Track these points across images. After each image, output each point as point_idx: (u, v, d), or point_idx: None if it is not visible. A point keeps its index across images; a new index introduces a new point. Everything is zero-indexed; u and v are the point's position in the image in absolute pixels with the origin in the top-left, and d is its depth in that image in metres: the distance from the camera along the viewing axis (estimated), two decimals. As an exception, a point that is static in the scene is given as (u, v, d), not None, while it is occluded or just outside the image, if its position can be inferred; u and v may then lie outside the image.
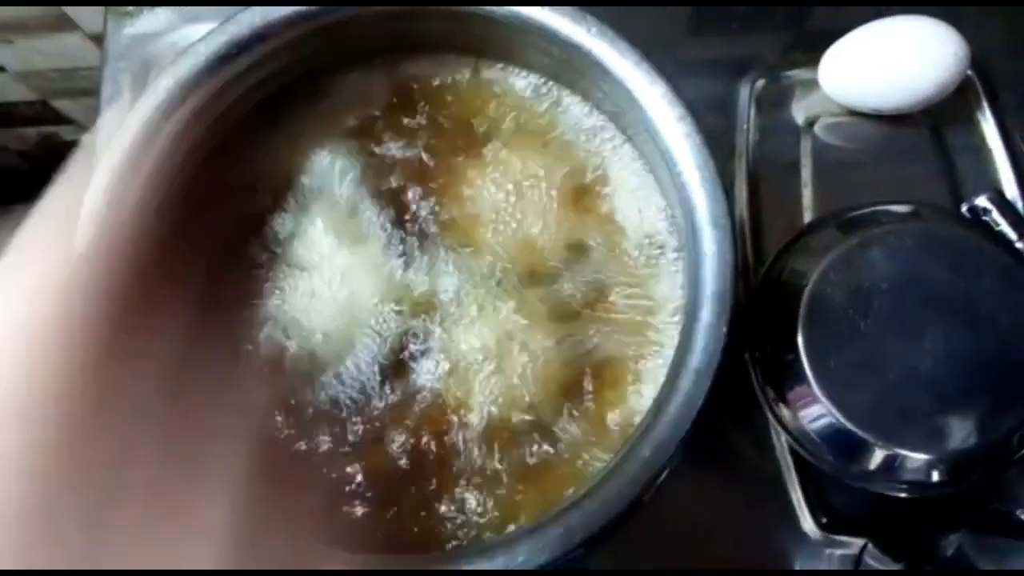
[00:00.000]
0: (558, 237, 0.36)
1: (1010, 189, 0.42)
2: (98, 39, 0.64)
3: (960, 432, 0.32)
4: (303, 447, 0.35)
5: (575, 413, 0.34)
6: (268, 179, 0.38)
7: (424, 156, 0.38)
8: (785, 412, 0.35)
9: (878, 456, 0.32)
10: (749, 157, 0.43)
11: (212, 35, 0.33)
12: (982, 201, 0.36)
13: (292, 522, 0.20)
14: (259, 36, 0.33)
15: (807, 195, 0.43)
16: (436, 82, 0.39)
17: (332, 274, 0.36)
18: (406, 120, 0.38)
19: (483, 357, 0.35)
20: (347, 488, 0.34)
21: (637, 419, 0.34)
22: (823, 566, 0.38)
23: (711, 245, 0.30)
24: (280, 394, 0.35)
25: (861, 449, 0.33)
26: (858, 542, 0.38)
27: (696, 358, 0.29)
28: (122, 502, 0.17)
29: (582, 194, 0.37)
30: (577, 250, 0.36)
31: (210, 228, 0.37)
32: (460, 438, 0.34)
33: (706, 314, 0.29)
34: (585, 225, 0.37)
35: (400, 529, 0.34)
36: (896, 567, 0.35)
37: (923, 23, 0.40)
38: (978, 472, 0.33)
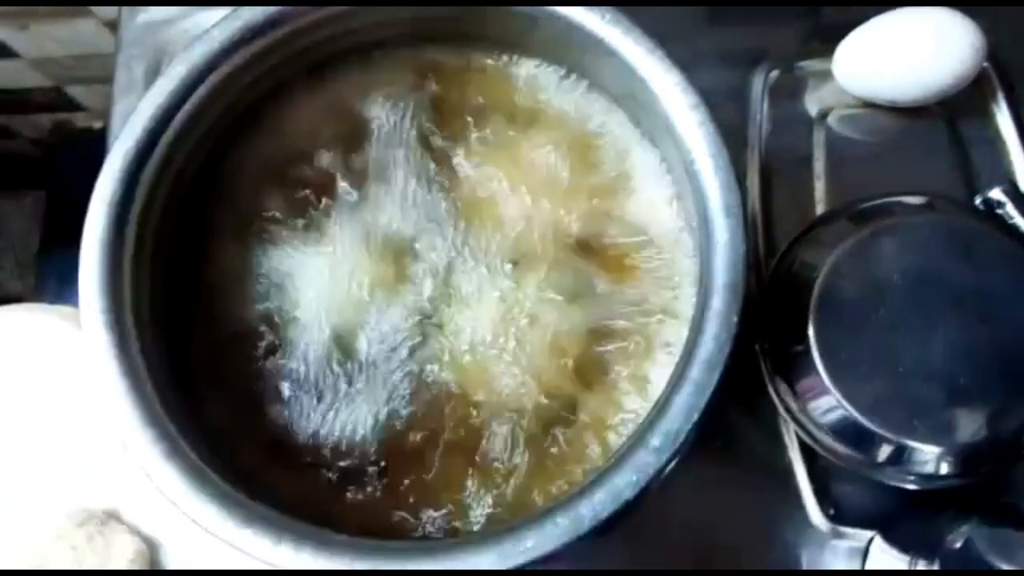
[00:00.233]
0: (571, 223, 0.36)
1: (1025, 182, 0.41)
2: (112, 25, 0.65)
3: (970, 424, 0.32)
4: (313, 432, 0.35)
5: (585, 399, 0.35)
6: (283, 162, 0.38)
7: (437, 141, 0.38)
8: (794, 403, 0.35)
9: (887, 448, 0.32)
10: (762, 148, 0.43)
11: (226, 20, 0.33)
12: (996, 193, 0.36)
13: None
14: (273, 21, 0.33)
15: (819, 187, 0.43)
16: (450, 69, 0.39)
17: (345, 254, 0.37)
18: (419, 108, 0.38)
19: (493, 339, 0.35)
20: (358, 473, 0.35)
21: (647, 407, 0.34)
22: (830, 557, 0.38)
23: (723, 234, 0.30)
24: (291, 373, 0.36)
25: (870, 440, 0.33)
26: (865, 534, 0.38)
27: (706, 347, 0.29)
28: None
29: (595, 182, 0.37)
30: (589, 237, 0.36)
31: (227, 217, 0.38)
32: (472, 421, 0.35)
33: (717, 303, 0.29)
34: (597, 213, 0.37)
35: (409, 513, 0.34)
36: (904, 559, 0.35)
37: (940, 14, 0.40)
38: (987, 465, 0.33)
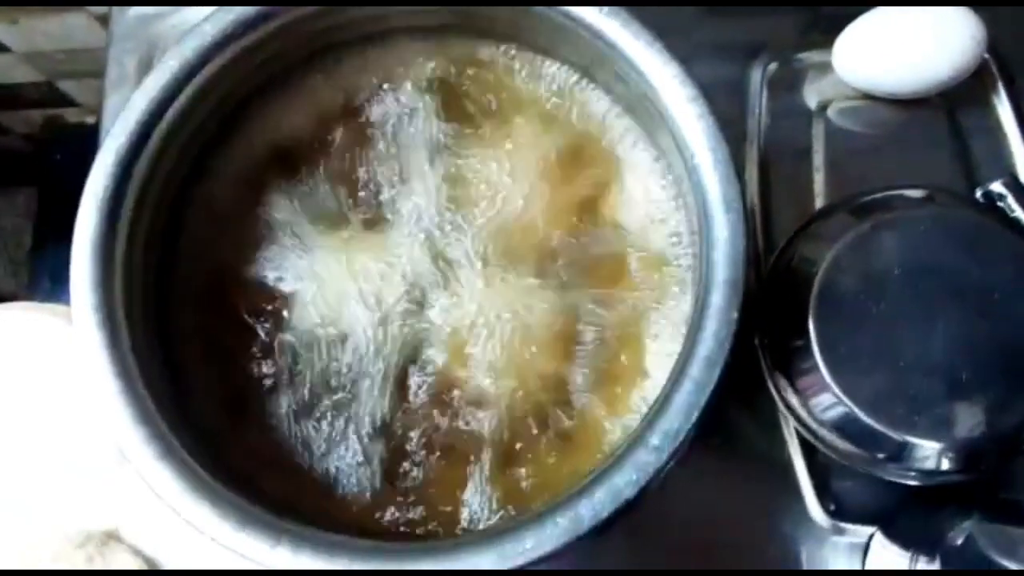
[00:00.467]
0: (567, 217, 0.36)
1: (1026, 174, 0.41)
2: (103, 20, 0.64)
3: (971, 420, 0.32)
4: (308, 433, 0.35)
5: (584, 394, 0.34)
6: (278, 156, 0.38)
7: (434, 134, 0.38)
8: (794, 399, 0.35)
9: (888, 443, 0.32)
10: (760, 141, 0.43)
11: (218, 14, 0.33)
12: (997, 186, 0.36)
13: None
14: (266, 15, 0.33)
15: (819, 180, 0.43)
16: (445, 63, 0.38)
17: (340, 250, 0.36)
18: (415, 99, 0.38)
19: (487, 335, 0.35)
20: (353, 472, 0.34)
21: (646, 405, 0.34)
22: (830, 554, 0.38)
23: (723, 230, 0.30)
24: (285, 372, 0.35)
25: (871, 436, 0.32)
26: (866, 530, 0.38)
27: (706, 344, 0.29)
28: None
29: (592, 176, 0.37)
30: (586, 231, 0.36)
31: (217, 204, 0.38)
32: (467, 419, 0.34)
33: (717, 299, 0.29)
34: (595, 206, 0.36)
35: (407, 513, 0.34)
36: (904, 555, 0.35)
37: (940, 6, 0.39)
38: (988, 461, 0.33)
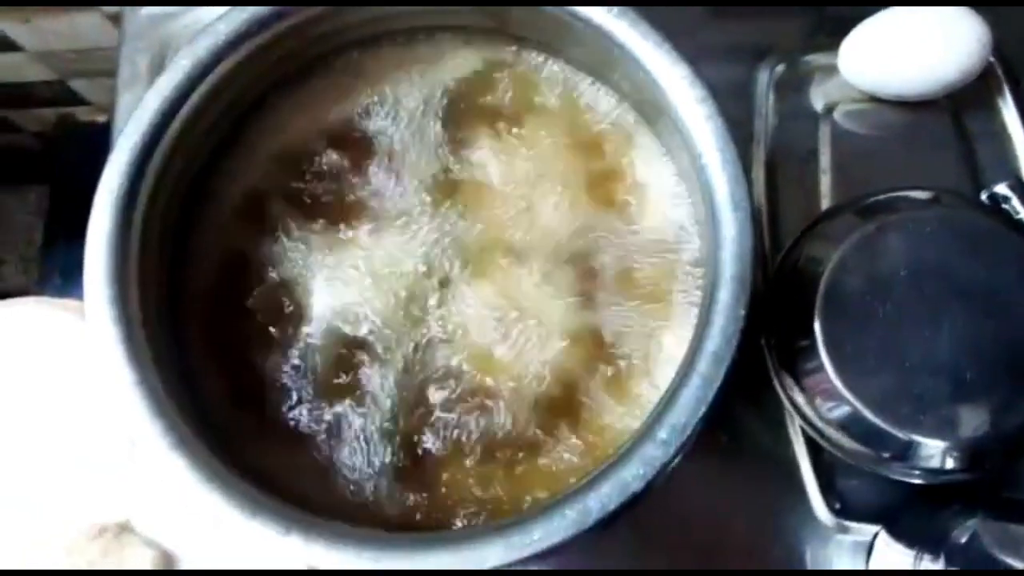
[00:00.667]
0: (577, 217, 0.36)
1: (1031, 176, 0.41)
2: (115, 19, 0.65)
3: (976, 420, 0.32)
4: (318, 426, 0.35)
5: (593, 391, 0.35)
6: (291, 156, 0.38)
7: (445, 134, 0.38)
8: (800, 398, 0.35)
9: (893, 442, 0.32)
10: (767, 143, 0.43)
11: (232, 13, 0.33)
12: (1002, 188, 0.36)
13: None
14: (279, 14, 0.33)
15: (825, 182, 0.43)
16: (455, 64, 0.39)
17: (353, 248, 0.37)
18: (427, 98, 0.38)
19: (497, 332, 0.35)
20: (363, 465, 0.35)
21: (653, 400, 0.34)
22: (835, 552, 0.38)
23: (731, 228, 0.30)
24: (298, 367, 0.36)
25: (876, 435, 0.33)
26: (871, 529, 0.38)
27: (714, 340, 0.29)
28: None
29: (602, 175, 0.37)
30: (596, 230, 0.36)
31: (229, 202, 0.38)
32: (476, 414, 0.35)
33: (725, 296, 0.29)
34: (604, 206, 0.37)
35: (416, 505, 0.34)
36: (909, 554, 0.35)
37: (946, 8, 0.40)
38: (993, 460, 0.33)
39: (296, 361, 0.36)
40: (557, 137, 0.37)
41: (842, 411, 0.33)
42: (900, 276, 0.33)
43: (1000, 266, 0.33)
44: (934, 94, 0.41)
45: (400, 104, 0.38)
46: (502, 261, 0.36)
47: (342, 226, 0.37)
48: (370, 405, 0.35)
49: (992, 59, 0.41)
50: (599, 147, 0.37)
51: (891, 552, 0.37)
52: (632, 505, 0.28)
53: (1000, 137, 0.43)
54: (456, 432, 0.35)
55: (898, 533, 0.37)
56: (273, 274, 0.37)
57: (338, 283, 0.36)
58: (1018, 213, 0.35)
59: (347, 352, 0.36)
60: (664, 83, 0.32)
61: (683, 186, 0.36)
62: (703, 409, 0.28)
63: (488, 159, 0.37)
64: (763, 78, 0.44)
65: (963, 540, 0.32)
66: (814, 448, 0.39)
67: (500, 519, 0.32)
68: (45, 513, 0.40)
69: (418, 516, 0.34)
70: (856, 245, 0.33)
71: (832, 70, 0.43)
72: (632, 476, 0.28)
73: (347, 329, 0.36)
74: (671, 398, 0.29)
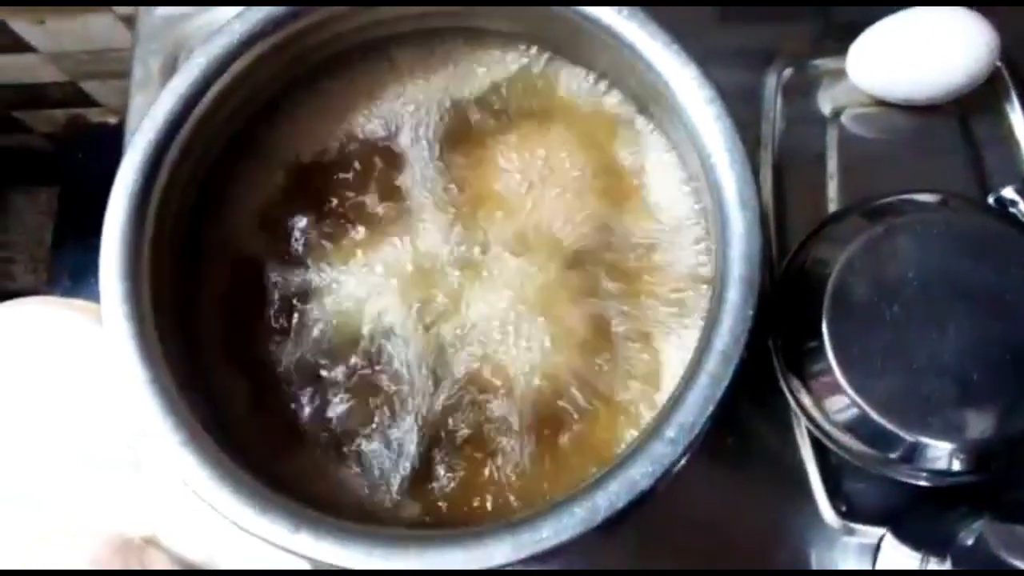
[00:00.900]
0: (586, 217, 0.37)
1: (1037, 180, 0.41)
2: (128, 21, 0.65)
3: (982, 421, 0.32)
4: (328, 423, 0.36)
5: (604, 389, 0.35)
6: (305, 156, 0.38)
7: (457, 134, 0.38)
8: (807, 399, 0.35)
9: (900, 444, 0.33)
10: (775, 147, 0.44)
11: (247, 12, 0.33)
12: (1009, 192, 0.36)
13: None
14: (294, 13, 0.34)
15: (832, 186, 0.43)
16: (469, 63, 0.39)
17: (363, 246, 0.37)
18: (438, 98, 0.39)
19: (506, 330, 0.35)
20: (374, 464, 0.35)
21: (661, 399, 0.34)
22: (841, 555, 0.38)
23: (739, 227, 0.30)
24: (308, 365, 0.36)
25: (883, 437, 0.33)
26: (877, 531, 0.38)
27: (722, 339, 0.29)
28: None
29: (611, 177, 0.37)
30: (605, 231, 0.36)
31: (241, 201, 0.38)
32: (486, 412, 0.35)
33: (733, 296, 0.29)
34: (613, 207, 0.37)
35: (426, 503, 0.34)
36: (915, 556, 0.35)
37: (954, 13, 0.40)
38: (999, 461, 0.33)
39: (308, 358, 0.36)
40: (566, 138, 0.38)
41: (849, 413, 0.33)
42: (907, 278, 0.33)
43: (1007, 269, 0.33)
44: (942, 98, 0.41)
45: (411, 105, 0.39)
46: (511, 262, 0.36)
47: (355, 227, 0.37)
48: (383, 407, 0.35)
49: (999, 63, 0.42)
50: (608, 148, 0.38)
51: (897, 554, 0.37)
52: (640, 503, 0.28)
53: (1007, 141, 0.43)
54: (468, 432, 0.35)
55: (904, 535, 0.37)
56: (286, 275, 0.37)
57: (351, 284, 0.37)
58: (1024, 216, 0.36)
59: (360, 354, 0.36)
60: (673, 84, 0.32)
61: (692, 186, 0.36)
62: (711, 408, 0.29)
63: (497, 160, 0.38)
64: (771, 82, 0.44)
65: (969, 542, 0.32)
66: (820, 450, 0.39)
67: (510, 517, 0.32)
68: (53, 513, 0.40)
69: (428, 518, 0.34)
70: (863, 247, 0.34)
71: (840, 74, 0.43)
72: (640, 474, 0.28)
73: (360, 331, 0.36)
74: (679, 397, 0.29)
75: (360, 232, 0.37)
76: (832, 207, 0.42)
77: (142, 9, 0.48)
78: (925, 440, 0.32)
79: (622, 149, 0.38)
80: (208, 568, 0.39)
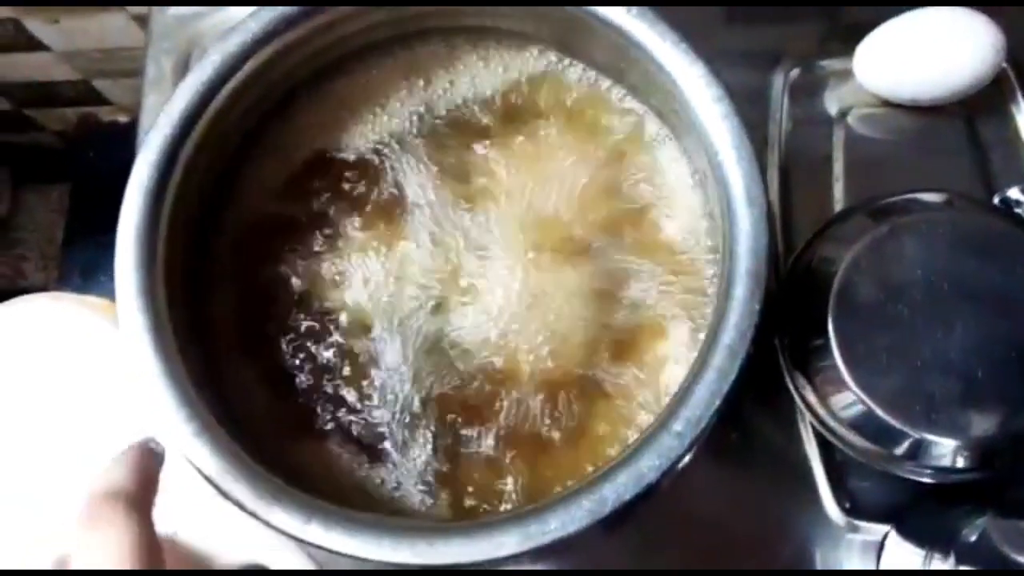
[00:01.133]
0: (594, 214, 0.37)
1: (1043, 182, 0.42)
2: (142, 20, 0.66)
3: (987, 419, 0.32)
4: (338, 414, 0.36)
5: (608, 382, 0.35)
6: (313, 152, 0.39)
7: (465, 133, 0.39)
8: (813, 396, 0.35)
9: (904, 441, 0.33)
10: (781, 147, 0.44)
11: (262, 10, 0.34)
12: (1014, 192, 0.37)
13: None
14: (309, 11, 0.34)
15: (838, 186, 0.43)
16: (479, 63, 0.39)
17: (373, 239, 0.37)
18: (448, 98, 0.39)
19: (517, 323, 0.36)
20: (383, 454, 0.35)
21: (668, 393, 0.34)
22: (845, 551, 0.39)
23: (746, 223, 0.30)
24: (318, 355, 0.36)
25: (887, 434, 0.33)
26: (881, 528, 0.38)
27: (729, 334, 0.29)
28: None
29: (618, 174, 0.38)
30: (611, 228, 0.37)
31: (257, 200, 0.39)
32: (495, 403, 0.35)
33: (739, 291, 0.30)
34: (620, 204, 0.37)
35: (434, 495, 0.35)
36: (919, 553, 0.36)
37: (960, 14, 0.40)
38: (1003, 458, 0.33)
39: (319, 350, 0.36)
40: (576, 136, 0.38)
41: (854, 410, 0.33)
42: (912, 277, 0.33)
43: (1012, 268, 0.33)
44: (948, 99, 0.42)
45: (421, 104, 0.39)
46: (518, 256, 0.37)
47: (364, 221, 0.38)
48: (393, 398, 0.36)
49: (1005, 65, 0.42)
50: (617, 146, 0.38)
51: (901, 551, 0.37)
52: (647, 496, 0.29)
53: (1013, 142, 0.43)
54: (478, 425, 0.35)
55: (908, 532, 0.37)
56: (298, 269, 0.37)
57: (361, 278, 0.37)
58: (1030, 217, 0.36)
59: (370, 346, 0.36)
60: (681, 82, 0.32)
61: (700, 184, 0.37)
62: (717, 402, 0.29)
63: (507, 158, 0.38)
64: (778, 83, 0.45)
65: (973, 539, 0.33)
66: (825, 447, 0.39)
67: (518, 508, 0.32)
68: (55, 512, 0.40)
69: (438, 509, 0.34)
70: (869, 246, 0.34)
71: (846, 75, 0.44)
72: (647, 467, 0.28)
73: (370, 323, 0.36)
74: (686, 391, 0.29)
75: (369, 226, 0.37)
76: (838, 207, 0.43)
77: (155, 9, 0.48)
78: (929, 437, 0.32)
79: (631, 148, 0.38)
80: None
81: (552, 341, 0.36)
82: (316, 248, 0.37)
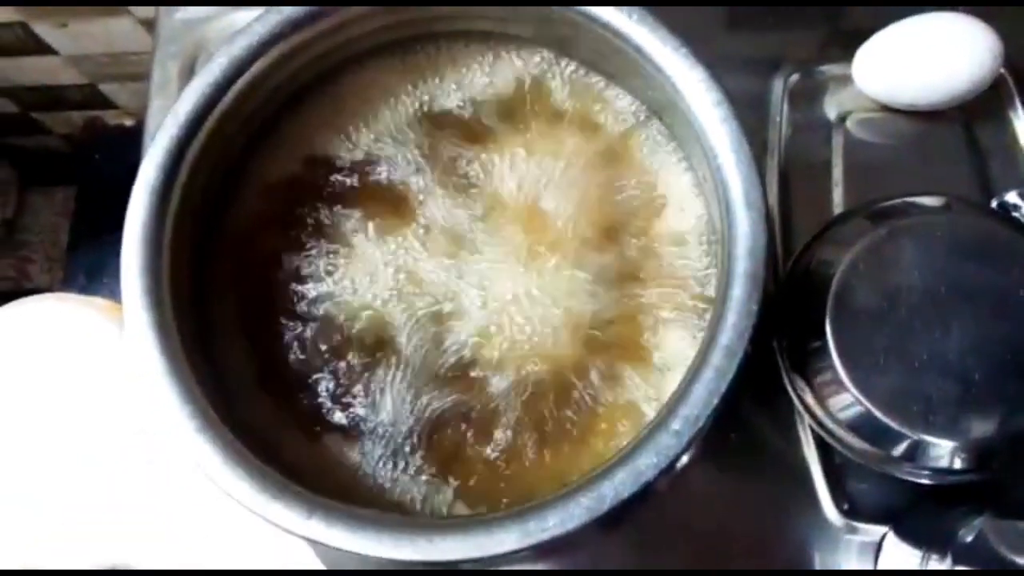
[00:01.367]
0: (593, 215, 0.37)
1: (1041, 186, 0.42)
2: (148, 24, 0.66)
3: (984, 420, 0.32)
4: (340, 406, 0.36)
5: (605, 382, 0.35)
6: (322, 155, 0.39)
7: (467, 135, 0.39)
8: (811, 398, 0.35)
9: (903, 442, 0.33)
10: (781, 152, 0.44)
11: (268, 14, 0.34)
12: (1012, 196, 0.37)
13: None
14: (314, 15, 0.35)
15: (837, 191, 0.43)
16: (481, 66, 0.40)
17: (374, 238, 0.38)
18: (449, 101, 0.40)
19: (514, 319, 0.36)
20: (386, 450, 0.36)
21: (667, 392, 0.35)
22: (843, 552, 0.39)
23: (744, 226, 0.31)
24: (323, 354, 0.36)
25: (885, 435, 0.33)
26: (879, 529, 0.38)
27: (727, 334, 0.30)
28: None
29: (620, 177, 0.38)
30: (610, 229, 0.37)
31: (261, 201, 0.39)
32: (495, 402, 0.35)
33: (737, 292, 0.30)
34: (619, 206, 0.37)
35: (434, 492, 0.35)
36: (917, 553, 0.36)
37: (959, 20, 0.40)
38: (1001, 460, 0.33)
39: (320, 348, 0.37)
40: (575, 138, 0.38)
41: (852, 411, 0.33)
42: (910, 280, 0.33)
43: (1009, 270, 0.33)
44: (946, 104, 0.42)
45: (424, 106, 0.39)
46: (519, 254, 0.37)
47: (367, 222, 0.38)
48: (394, 397, 0.36)
49: (1003, 70, 0.42)
50: (616, 148, 0.38)
51: (899, 552, 0.37)
52: (645, 495, 0.29)
53: (1011, 147, 0.43)
54: (477, 423, 0.35)
55: (906, 533, 0.37)
56: (300, 269, 0.38)
57: (363, 277, 0.37)
58: (1028, 221, 0.36)
59: (371, 341, 0.36)
60: (681, 86, 0.33)
61: (699, 187, 0.37)
62: (716, 401, 0.29)
63: (507, 159, 0.38)
64: (778, 87, 0.45)
65: (970, 539, 0.33)
66: (823, 449, 0.39)
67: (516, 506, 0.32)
68: (56, 512, 0.41)
69: (441, 506, 0.35)
70: (867, 249, 0.34)
71: (846, 80, 0.44)
72: (646, 465, 0.29)
73: (374, 321, 0.37)
74: (684, 391, 0.30)
75: (371, 227, 0.38)
76: (837, 211, 0.43)
77: (162, 13, 0.49)
78: (927, 438, 0.32)
79: (629, 150, 0.38)
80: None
81: (550, 342, 0.36)
82: (319, 248, 0.38)
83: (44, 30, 0.70)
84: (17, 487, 0.41)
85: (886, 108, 0.44)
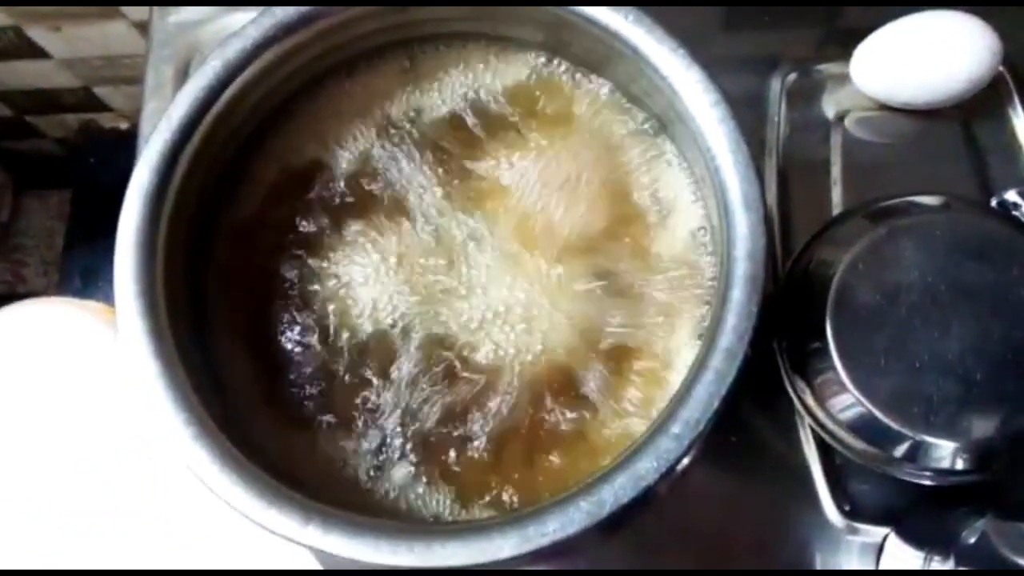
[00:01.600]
0: (591, 217, 0.37)
1: (1040, 184, 0.42)
2: (142, 27, 0.66)
3: (985, 421, 0.32)
4: (338, 419, 0.36)
5: (604, 386, 0.35)
6: (312, 157, 0.39)
7: (466, 139, 0.39)
8: (812, 399, 0.35)
9: (903, 443, 0.33)
10: (779, 151, 0.44)
11: (261, 17, 0.34)
12: (1012, 195, 0.37)
13: None
14: (308, 18, 0.34)
15: (836, 190, 0.43)
16: (479, 69, 0.40)
17: (372, 239, 0.38)
18: (447, 103, 0.39)
19: (512, 321, 0.36)
20: (382, 457, 0.35)
21: (666, 395, 0.34)
22: (844, 554, 0.39)
23: (743, 227, 0.30)
24: (318, 359, 0.36)
25: (886, 436, 0.33)
26: (880, 530, 0.38)
27: (727, 337, 0.29)
28: None
29: (619, 178, 0.38)
30: (609, 230, 0.37)
31: (256, 203, 0.39)
32: (493, 406, 0.35)
33: (737, 294, 0.30)
34: (618, 208, 0.37)
35: (434, 499, 0.35)
36: (918, 555, 0.36)
37: (957, 18, 0.40)
38: (1002, 460, 0.33)
39: (317, 351, 0.36)
40: (573, 140, 0.38)
41: (853, 412, 0.33)
42: (910, 279, 0.33)
43: (1009, 270, 0.33)
44: (945, 102, 0.42)
45: (420, 108, 0.39)
46: (515, 256, 0.37)
47: (364, 224, 0.38)
48: (394, 399, 0.36)
49: (1002, 68, 0.42)
50: (614, 149, 0.38)
51: (901, 553, 0.37)
52: (645, 499, 0.29)
53: (1010, 145, 0.43)
54: (475, 426, 0.35)
55: (907, 534, 0.37)
56: (297, 271, 0.38)
57: (360, 278, 0.37)
58: (1027, 219, 0.36)
59: (372, 348, 0.36)
60: (678, 87, 0.33)
61: (697, 188, 0.37)
62: (716, 404, 0.29)
63: (506, 161, 0.38)
64: (775, 87, 0.45)
65: (972, 540, 0.33)
66: (824, 450, 0.39)
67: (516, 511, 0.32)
68: (56, 512, 0.41)
69: (440, 512, 0.34)
70: (867, 248, 0.34)
71: (844, 79, 0.44)
72: (646, 469, 0.28)
73: (371, 323, 0.37)
74: (684, 393, 0.29)
75: (368, 228, 0.38)
76: (836, 211, 0.43)
77: (156, 15, 0.48)
78: (928, 439, 0.32)
79: (627, 151, 0.38)
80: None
81: (549, 343, 0.36)
82: (315, 250, 0.38)
83: (38, 33, 0.69)
84: (12, 491, 0.41)
85: (884, 107, 0.44)
